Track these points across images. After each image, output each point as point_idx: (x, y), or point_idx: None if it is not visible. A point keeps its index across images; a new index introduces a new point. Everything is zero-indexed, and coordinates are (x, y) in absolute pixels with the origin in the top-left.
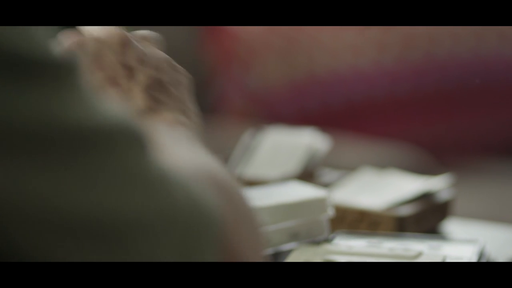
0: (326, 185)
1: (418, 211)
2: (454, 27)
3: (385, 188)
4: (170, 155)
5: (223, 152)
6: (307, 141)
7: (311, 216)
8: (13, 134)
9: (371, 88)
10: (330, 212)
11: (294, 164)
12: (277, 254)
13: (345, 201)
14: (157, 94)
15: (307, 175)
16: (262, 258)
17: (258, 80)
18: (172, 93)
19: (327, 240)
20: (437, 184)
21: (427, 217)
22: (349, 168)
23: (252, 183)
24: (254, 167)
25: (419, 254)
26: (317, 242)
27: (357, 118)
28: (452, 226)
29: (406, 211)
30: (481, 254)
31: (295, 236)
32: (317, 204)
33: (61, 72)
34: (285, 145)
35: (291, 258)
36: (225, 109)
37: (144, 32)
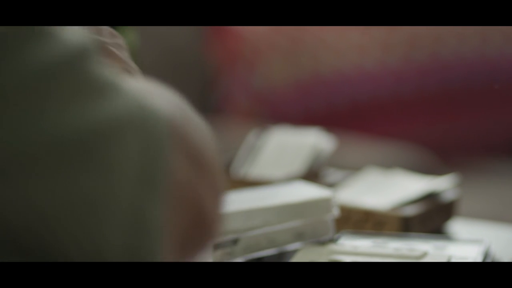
0: (331, 185)
1: (423, 211)
2: (459, 27)
3: (390, 188)
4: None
5: (229, 152)
6: (312, 141)
7: (316, 216)
8: None
9: (376, 88)
10: (335, 212)
11: (299, 164)
12: (282, 254)
13: (350, 201)
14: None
15: (312, 175)
16: (214, 156)
17: (263, 80)
18: (116, 55)
19: (332, 240)
20: (442, 184)
21: (432, 217)
22: (354, 168)
23: (257, 183)
24: (259, 167)
25: (424, 254)
26: (322, 242)
27: (362, 118)
28: (457, 226)
29: (411, 211)
30: (486, 254)
31: (300, 236)
32: (322, 204)
33: None
34: (290, 145)
35: (296, 258)
36: (230, 109)
37: None
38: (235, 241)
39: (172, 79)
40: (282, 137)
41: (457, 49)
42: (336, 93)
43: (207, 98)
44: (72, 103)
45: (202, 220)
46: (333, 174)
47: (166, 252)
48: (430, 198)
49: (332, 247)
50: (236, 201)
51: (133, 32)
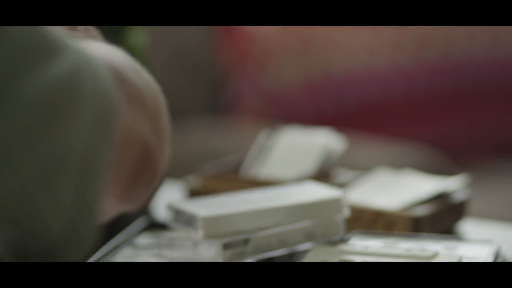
0: (341, 185)
1: (434, 211)
2: (469, 27)
3: (401, 188)
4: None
5: (239, 152)
6: (323, 141)
7: (327, 216)
8: None
9: (387, 88)
10: (346, 212)
11: (309, 164)
12: (293, 254)
13: (360, 201)
14: None
15: (322, 175)
16: (155, 97)
17: (273, 80)
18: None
19: (343, 240)
20: (453, 184)
21: (443, 217)
22: (364, 168)
23: (268, 183)
24: (270, 167)
25: (435, 254)
26: (333, 243)
27: (372, 118)
28: (467, 226)
29: (422, 211)
30: (497, 254)
31: (310, 236)
32: (333, 204)
33: None
34: (301, 145)
35: (306, 258)
36: (240, 109)
37: None
38: (245, 241)
39: (182, 80)
40: (292, 137)
41: (467, 49)
42: (347, 93)
43: (217, 98)
44: (24, 69)
45: (148, 155)
46: (343, 174)
47: (112, 185)
48: (440, 198)
49: (343, 247)
50: (247, 201)
51: (143, 33)
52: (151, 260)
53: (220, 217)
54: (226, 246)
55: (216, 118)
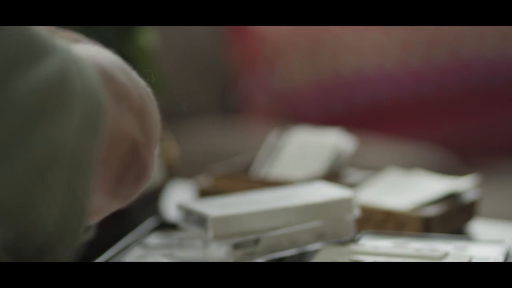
0: (351, 186)
1: (444, 211)
2: (479, 27)
3: (411, 188)
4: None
5: (249, 152)
6: (333, 141)
7: (337, 216)
8: None
9: (396, 88)
10: (356, 213)
11: (320, 164)
12: (303, 254)
13: (371, 202)
14: None
15: (332, 175)
16: (143, 96)
17: (283, 80)
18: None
19: (353, 241)
20: (463, 184)
21: (453, 217)
22: (374, 168)
23: (278, 183)
24: (280, 167)
25: (446, 254)
26: (343, 243)
27: (382, 118)
28: (478, 226)
29: (432, 211)
30: (507, 254)
31: (321, 236)
32: (343, 204)
33: None
34: (311, 146)
35: (317, 259)
36: (250, 109)
37: None
38: (256, 241)
39: (193, 80)
40: (302, 137)
41: (477, 49)
42: (356, 93)
43: (227, 98)
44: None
45: (135, 152)
46: (354, 175)
47: (101, 182)
48: (451, 198)
49: (353, 247)
50: (257, 201)
51: (153, 33)
52: (161, 260)
53: (230, 217)
54: (236, 246)
55: (226, 118)
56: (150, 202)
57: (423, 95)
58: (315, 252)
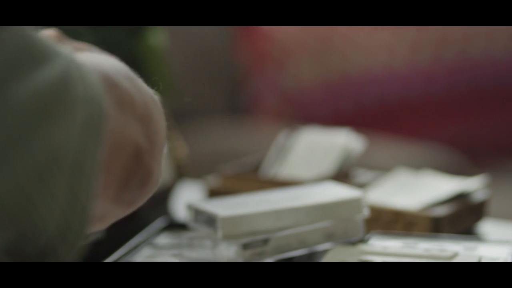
0: (361, 186)
1: (453, 211)
2: (488, 26)
3: (420, 189)
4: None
5: (258, 153)
6: (342, 141)
7: (346, 216)
8: None
9: (405, 88)
10: (366, 213)
11: (329, 164)
12: (313, 254)
13: (380, 202)
14: None
15: (342, 175)
16: (147, 103)
17: (292, 81)
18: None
19: (363, 241)
20: (472, 184)
21: (462, 217)
22: (383, 168)
23: (287, 183)
24: (289, 168)
25: (455, 254)
26: (352, 243)
27: (391, 118)
28: (487, 227)
29: (441, 211)
30: None
31: (330, 236)
32: (353, 204)
33: None
34: (320, 146)
35: (326, 259)
36: (259, 110)
37: None
38: (265, 241)
39: (202, 80)
40: (312, 137)
41: (486, 48)
42: (365, 93)
43: (236, 98)
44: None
45: (139, 158)
46: (363, 175)
47: (104, 187)
48: (460, 198)
49: (363, 247)
50: (266, 201)
51: (163, 33)
52: (170, 260)
53: (239, 217)
54: (245, 246)
55: (235, 118)
56: (160, 202)
57: (432, 95)
58: (324, 252)
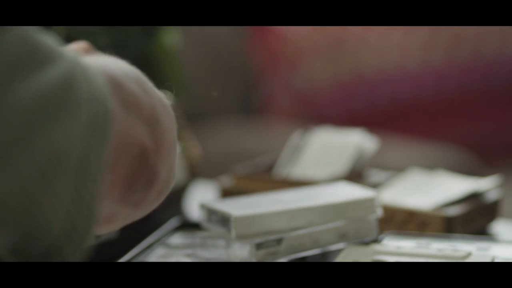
0: (374, 186)
1: (467, 211)
2: (500, 26)
3: (433, 188)
4: None
5: (272, 153)
6: (355, 141)
7: (359, 216)
8: None
9: (418, 88)
10: (379, 212)
11: (342, 164)
12: (326, 254)
13: (393, 202)
14: None
15: (355, 175)
16: (155, 105)
17: (305, 81)
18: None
19: (376, 241)
20: (485, 184)
21: (475, 217)
22: (396, 168)
23: (300, 183)
24: (302, 168)
25: (468, 254)
26: (365, 243)
27: (404, 118)
28: (500, 227)
29: (455, 211)
30: None
31: (343, 236)
32: (366, 204)
33: None
34: (333, 146)
35: (339, 258)
36: (272, 110)
37: None
38: (278, 241)
39: (215, 80)
40: (325, 137)
41: (499, 48)
42: (378, 93)
43: (249, 98)
44: (19, 75)
45: (145, 159)
46: (376, 175)
47: (110, 187)
48: (473, 198)
49: (376, 247)
50: (280, 201)
51: (176, 33)
52: (184, 260)
53: (253, 217)
54: (259, 246)
55: (248, 118)
56: (173, 202)
57: (445, 94)
58: (337, 252)
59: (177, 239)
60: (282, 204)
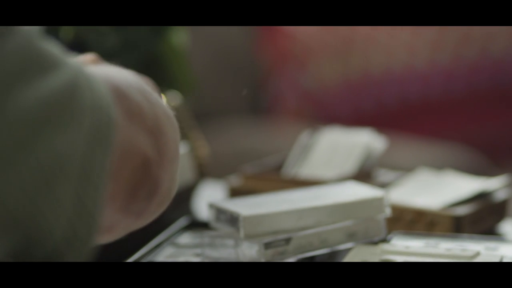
0: (382, 186)
1: (475, 211)
2: (509, 26)
3: (442, 188)
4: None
5: (280, 152)
6: (364, 141)
7: (368, 216)
8: None
9: (426, 87)
10: (387, 212)
11: (350, 164)
12: (334, 254)
13: (401, 201)
14: None
15: (363, 175)
16: (158, 115)
17: (314, 80)
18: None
19: (384, 240)
20: (494, 184)
21: (483, 217)
22: (405, 168)
23: (309, 183)
24: (311, 167)
25: (477, 254)
26: (374, 242)
27: (412, 117)
28: (508, 226)
29: (463, 211)
30: None
31: (352, 236)
32: (375, 204)
33: None
34: (342, 145)
35: (348, 258)
36: (281, 109)
37: None
38: (287, 241)
39: (223, 80)
40: (333, 137)
41: (507, 47)
42: (387, 92)
43: (258, 98)
44: (23, 81)
45: (147, 169)
46: (384, 175)
47: (111, 197)
48: (481, 198)
49: (384, 247)
50: (288, 201)
51: (185, 33)
52: (192, 259)
53: (261, 216)
54: (267, 246)
55: (257, 118)
56: (181, 201)
57: (453, 94)
58: (346, 251)
59: (185, 238)
60: (291, 204)
